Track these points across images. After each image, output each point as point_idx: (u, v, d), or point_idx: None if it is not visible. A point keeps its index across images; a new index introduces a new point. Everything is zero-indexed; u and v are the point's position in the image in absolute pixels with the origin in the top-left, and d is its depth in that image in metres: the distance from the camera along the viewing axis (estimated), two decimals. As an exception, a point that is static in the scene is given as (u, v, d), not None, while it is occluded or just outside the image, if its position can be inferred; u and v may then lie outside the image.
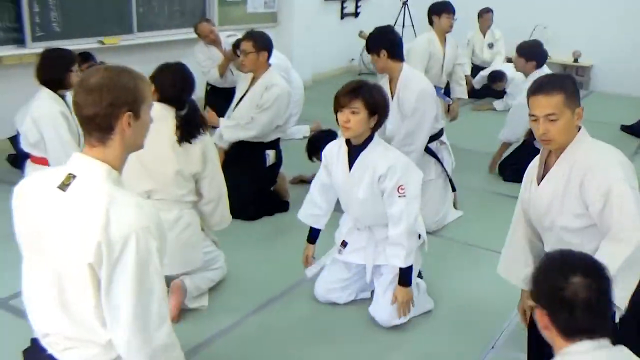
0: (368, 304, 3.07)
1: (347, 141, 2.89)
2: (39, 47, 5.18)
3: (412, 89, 3.70)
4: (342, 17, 9.23)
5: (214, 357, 2.75)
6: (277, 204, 4.34)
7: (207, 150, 2.99)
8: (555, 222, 2.31)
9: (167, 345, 1.71)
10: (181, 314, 2.99)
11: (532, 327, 2.43)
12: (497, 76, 7.46)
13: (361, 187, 2.85)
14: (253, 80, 4.21)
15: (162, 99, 2.94)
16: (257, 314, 3.09)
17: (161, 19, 6.57)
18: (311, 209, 3.12)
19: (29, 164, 3.71)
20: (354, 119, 2.73)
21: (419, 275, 3.22)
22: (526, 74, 5.06)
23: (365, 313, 3.04)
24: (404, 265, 2.83)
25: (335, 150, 2.98)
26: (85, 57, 4.92)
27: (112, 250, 1.59)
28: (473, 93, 7.55)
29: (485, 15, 7.94)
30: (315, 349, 2.84)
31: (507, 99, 7.33)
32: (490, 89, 7.67)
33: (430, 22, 5.33)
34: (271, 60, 5.71)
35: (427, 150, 3.96)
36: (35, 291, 1.77)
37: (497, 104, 7.51)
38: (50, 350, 1.78)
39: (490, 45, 8.09)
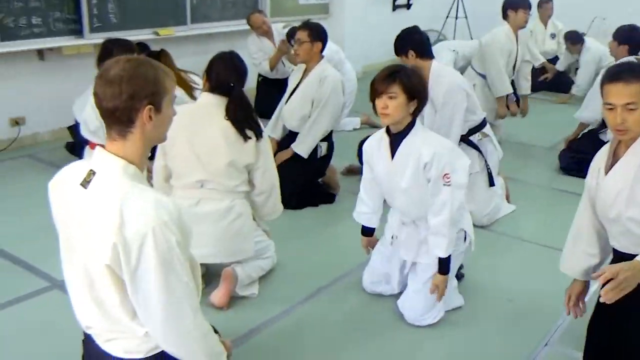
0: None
1: (388, 130, 2.81)
2: (96, 38, 5.35)
3: (441, 83, 3.66)
4: (394, 9, 9.14)
5: (263, 344, 2.77)
6: (323, 196, 4.33)
7: (260, 142, 2.99)
8: (622, 214, 2.22)
9: (204, 335, 1.73)
10: (231, 301, 3.02)
11: (592, 321, 2.36)
12: (575, 37, 7.20)
13: (404, 176, 2.76)
14: (305, 73, 4.21)
15: (213, 89, 2.97)
16: (306, 303, 3.10)
17: (214, 10, 6.63)
18: (360, 207, 3.08)
19: (87, 151, 3.81)
20: (392, 104, 2.64)
21: (459, 273, 3.18)
22: (617, 58, 4.88)
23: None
24: (444, 255, 2.76)
25: (374, 143, 2.90)
26: (142, 47, 5.00)
27: (129, 250, 1.57)
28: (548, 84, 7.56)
29: (545, 5, 7.72)
30: (362, 339, 2.83)
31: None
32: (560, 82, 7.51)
33: (505, 16, 5.25)
34: (325, 52, 5.73)
35: (469, 143, 3.90)
36: (71, 285, 1.79)
37: (574, 88, 7.23)
38: (97, 341, 1.81)
39: (553, 36, 7.89)
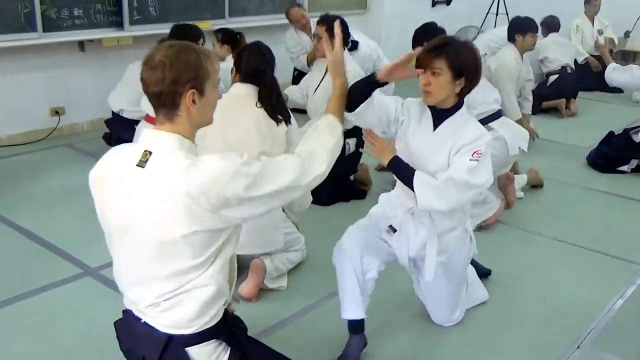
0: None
1: (431, 108, 2.49)
2: (135, 31, 5.44)
3: None
4: (433, 5, 9.04)
5: (290, 337, 2.77)
6: (354, 192, 4.31)
7: (291, 133, 3.00)
8: None
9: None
10: (260, 293, 3.03)
11: None
12: None
13: (438, 156, 2.43)
14: (327, 69, 4.17)
15: (242, 78, 2.99)
16: (333, 298, 3.06)
17: (252, 4, 6.66)
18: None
19: (142, 123, 3.89)
20: (436, 81, 2.35)
21: (486, 270, 3.14)
22: None
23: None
24: (414, 189, 2.39)
25: (419, 107, 2.53)
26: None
27: (207, 204, 1.63)
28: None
29: (593, 2, 7.60)
30: (387, 334, 2.80)
31: None
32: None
33: (512, 39, 5.12)
34: (363, 48, 5.70)
35: None
36: (128, 263, 1.82)
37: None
38: (145, 318, 1.83)
39: (600, 32, 7.73)
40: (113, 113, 4.86)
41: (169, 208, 1.65)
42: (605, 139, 5.12)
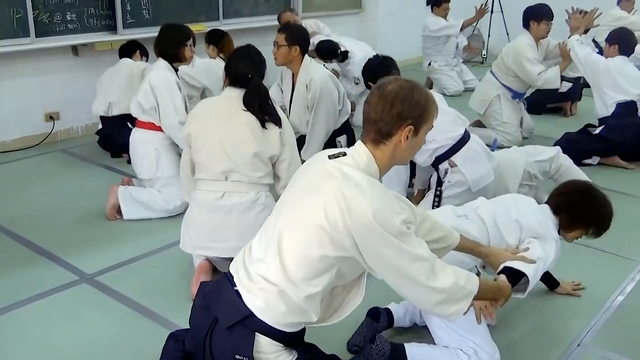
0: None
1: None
2: (129, 34, 5.42)
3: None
4: (427, 3, 9.02)
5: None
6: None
7: (285, 133, 2.98)
8: None
9: None
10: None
11: None
12: None
13: None
14: (294, 78, 4.15)
15: (231, 82, 2.99)
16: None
17: (246, 6, 6.64)
18: None
19: (136, 130, 3.90)
20: None
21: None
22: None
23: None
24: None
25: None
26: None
27: (352, 231, 1.74)
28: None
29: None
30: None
31: None
32: None
33: (526, 26, 5.18)
34: (357, 54, 5.69)
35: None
36: (268, 229, 1.95)
37: None
38: (240, 286, 1.91)
39: None
40: (102, 118, 4.88)
41: (323, 203, 1.77)
42: (566, 135, 5.13)
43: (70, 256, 3.37)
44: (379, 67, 3.58)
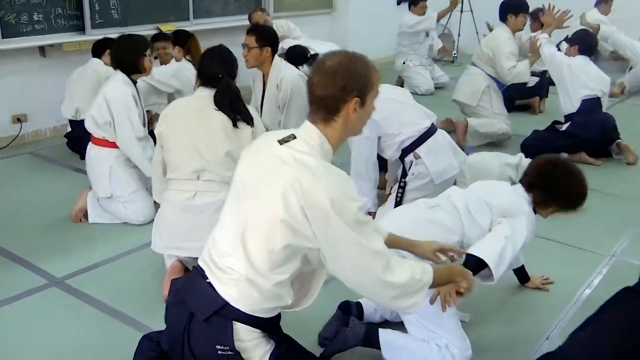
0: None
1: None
2: (97, 34, 5.34)
3: None
4: (398, 3, 9.08)
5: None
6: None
7: (257, 132, 2.99)
8: None
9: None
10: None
11: None
12: None
13: None
14: (264, 79, 4.14)
15: (203, 82, 2.99)
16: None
17: (217, 6, 6.61)
18: None
19: (91, 146, 3.82)
20: None
21: None
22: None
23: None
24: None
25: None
26: (159, 38, 5.06)
27: (311, 214, 1.73)
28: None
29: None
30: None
31: None
32: None
33: (503, 19, 5.28)
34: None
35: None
36: (230, 223, 1.92)
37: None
38: (212, 279, 1.90)
39: None
40: (71, 122, 4.82)
41: (281, 194, 1.75)
42: (534, 132, 5.24)
43: (39, 260, 3.33)
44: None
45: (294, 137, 1.85)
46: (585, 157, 5.00)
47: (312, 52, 5.67)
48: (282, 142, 1.85)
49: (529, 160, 4.11)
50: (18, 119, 5.28)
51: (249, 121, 2.96)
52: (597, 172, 4.88)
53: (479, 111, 5.44)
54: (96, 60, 4.80)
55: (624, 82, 7.46)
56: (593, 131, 4.93)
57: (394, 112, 3.44)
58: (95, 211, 3.77)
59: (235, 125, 2.92)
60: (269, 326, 1.95)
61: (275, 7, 7.20)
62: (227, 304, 1.86)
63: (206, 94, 2.96)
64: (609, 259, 3.49)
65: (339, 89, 1.79)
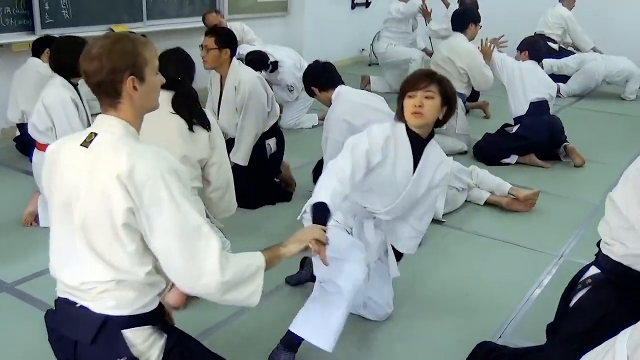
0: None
1: (409, 133, 2.54)
2: (47, 34, 5.21)
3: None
4: (352, 7, 9.18)
5: (220, 343, 2.74)
6: (279, 194, 4.31)
7: (214, 136, 2.98)
8: None
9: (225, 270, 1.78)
10: (187, 300, 2.98)
11: None
12: None
13: (421, 187, 2.61)
14: (222, 81, 4.12)
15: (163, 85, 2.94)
16: (264, 301, 3.04)
17: (171, 7, 6.56)
18: (337, 186, 2.32)
19: (36, 152, 3.73)
20: (428, 103, 2.44)
21: None
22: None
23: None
24: (413, 251, 2.83)
25: (392, 144, 2.53)
26: None
27: (141, 194, 1.68)
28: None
29: None
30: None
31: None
32: None
33: (463, 29, 5.37)
34: (285, 62, 5.72)
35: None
36: (64, 244, 1.82)
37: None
38: (81, 302, 1.82)
39: None
40: (19, 125, 4.70)
41: (108, 188, 1.69)
42: (486, 135, 5.39)
43: (-11, 265, 3.25)
44: (321, 72, 3.73)
45: (96, 135, 1.78)
46: (535, 160, 5.15)
47: (271, 59, 5.70)
48: (85, 144, 1.77)
49: (484, 171, 4.31)
50: (-36, 120, 5.13)
51: (206, 125, 2.95)
52: (546, 174, 5.03)
53: (443, 132, 5.26)
54: (36, 60, 4.63)
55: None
56: (541, 133, 5.09)
57: (375, 121, 3.41)
58: (46, 215, 3.69)
59: (191, 129, 2.90)
60: (155, 319, 1.89)
61: (229, 9, 7.18)
62: (107, 317, 1.79)
63: (164, 98, 2.92)
64: (558, 259, 3.60)
65: (109, 71, 1.74)
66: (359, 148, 2.45)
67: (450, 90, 2.52)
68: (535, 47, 5.35)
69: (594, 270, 2.18)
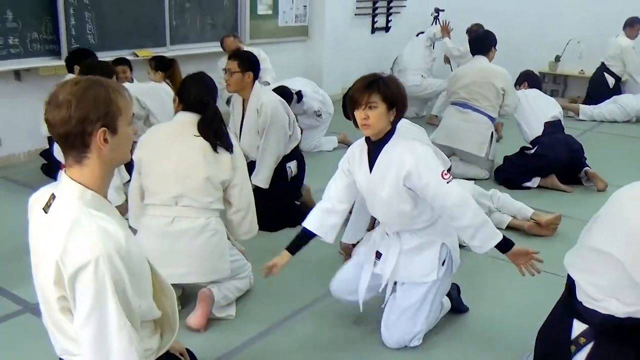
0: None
1: (367, 140, 2.72)
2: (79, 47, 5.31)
3: None
4: (372, 32, 9.24)
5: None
6: (300, 217, 4.30)
7: (236, 158, 3.01)
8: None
9: None
10: (208, 323, 2.99)
11: None
12: None
13: (384, 187, 2.66)
14: (244, 104, 4.16)
15: (186, 107, 3.00)
16: (284, 324, 3.08)
17: (193, 32, 6.67)
18: (328, 218, 2.85)
19: (61, 173, 3.77)
20: (373, 114, 2.54)
21: (465, 307, 3.21)
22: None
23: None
24: (498, 239, 2.69)
25: (357, 151, 2.78)
26: (120, 62, 5.03)
27: (69, 277, 1.52)
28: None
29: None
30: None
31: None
32: None
33: (486, 51, 5.47)
34: (308, 93, 5.78)
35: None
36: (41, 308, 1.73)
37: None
38: None
39: None
40: (49, 138, 4.77)
41: (50, 263, 1.55)
42: (506, 158, 5.39)
43: (13, 286, 3.28)
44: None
45: (54, 198, 1.63)
46: (557, 183, 5.11)
47: (293, 90, 5.75)
48: (45, 209, 1.63)
49: (505, 195, 4.32)
50: (-9, 143, 5.23)
51: (229, 147, 2.98)
52: (568, 198, 4.99)
53: (471, 160, 5.37)
54: (69, 75, 4.74)
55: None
56: (560, 150, 5.10)
57: None
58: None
59: (215, 150, 2.93)
60: None
61: (251, 34, 7.27)
62: None
63: (188, 120, 2.97)
64: (582, 284, 3.54)
65: (78, 121, 1.54)
66: (340, 166, 2.87)
67: (393, 92, 2.57)
68: (532, 77, 5.59)
69: (580, 327, 2.13)
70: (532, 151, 5.20)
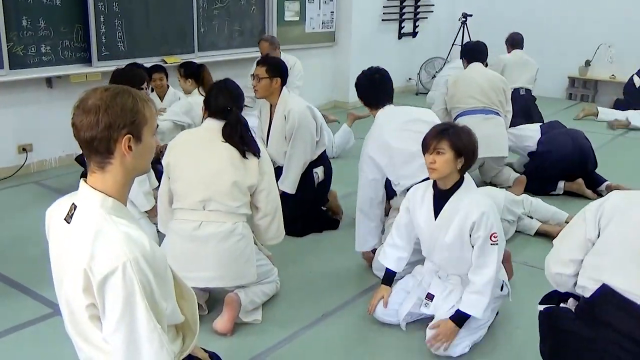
0: (420, 327, 3.02)
1: (435, 186, 2.88)
2: (104, 66, 5.43)
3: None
4: (399, 37, 9.22)
5: (267, 371, 2.74)
6: (326, 222, 4.32)
7: (263, 163, 3.02)
8: None
9: None
10: (235, 327, 3.00)
11: None
12: None
13: (449, 233, 2.79)
14: (272, 110, 4.18)
15: (211, 114, 3.03)
16: (310, 329, 3.07)
17: (221, 38, 6.72)
18: (392, 251, 3.09)
19: (81, 183, 3.82)
20: (440, 159, 2.72)
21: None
22: None
23: (420, 338, 2.95)
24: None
25: (419, 194, 2.94)
26: (156, 69, 5.08)
27: (98, 284, 1.54)
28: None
29: None
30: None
31: None
32: None
33: (484, 59, 5.46)
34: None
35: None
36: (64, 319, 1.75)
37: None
38: None
39: None
40: None
41: (76, 272, 1.58)
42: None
43: (43, 288, 3.33)
44: (367, 87, 3.85)
45: (75, 207, 1.65)
46: (583, 188, 5.02)
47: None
48: (67, 219, 1.65)
49: (537, 200, 4.31)
50: (24, 149, 5.33)
51: (256, 152, 2.99)
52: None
53: (500, 163, 5.29)
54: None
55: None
56: (563, 142, 5.07)
57: (398, 162, 3.44)
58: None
59: (244, 156, 2.95)
60: None
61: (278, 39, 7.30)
62: None
63: (214, 126, 3.00)
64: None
65: (105, 127, 1.58)
66: (398, 220, 3.07)
67: (463, 142, 2.74)
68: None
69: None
70: (534, 149, 5.21)
